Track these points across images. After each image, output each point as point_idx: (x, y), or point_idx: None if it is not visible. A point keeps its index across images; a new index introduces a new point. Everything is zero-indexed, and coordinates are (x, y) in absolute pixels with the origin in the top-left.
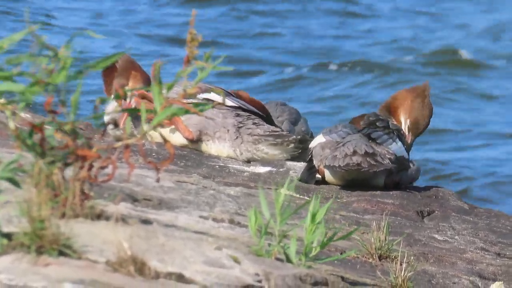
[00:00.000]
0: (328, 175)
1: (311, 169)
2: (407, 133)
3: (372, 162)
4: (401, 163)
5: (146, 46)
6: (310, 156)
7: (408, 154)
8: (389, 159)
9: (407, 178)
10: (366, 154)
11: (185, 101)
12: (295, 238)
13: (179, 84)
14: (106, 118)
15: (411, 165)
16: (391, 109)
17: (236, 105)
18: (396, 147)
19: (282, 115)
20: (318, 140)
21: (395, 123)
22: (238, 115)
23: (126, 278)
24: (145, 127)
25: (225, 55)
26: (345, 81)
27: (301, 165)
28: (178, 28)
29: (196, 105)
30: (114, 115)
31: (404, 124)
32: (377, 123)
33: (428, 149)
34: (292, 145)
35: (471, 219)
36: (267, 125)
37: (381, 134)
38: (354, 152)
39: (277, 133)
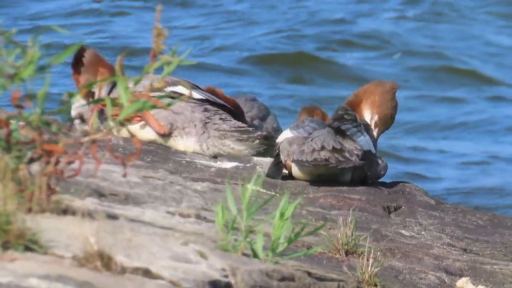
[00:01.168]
0: (295, 170)
1: (277, 164)
2: (374, 128)
3: (340, 158)
4: (368, 157)
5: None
6: (277, 151)
7: (376, 150)
8: (357, 155)
9: (374, 173)
10: (334, 149)
11: (152, 94)
12: (262, 234)
13: (147, 78)
14: (73, 113)
15: (379, 161)
16: (356, 104)
17: (203, 98)
18: (364, 140)
19: (251, 110)
20: (285, 135)
21: (362, 118)
22: (205, 110)
23: (92, 273)
24: (111, 122)
25: (190, 48)
26: None
27: (268, 161)
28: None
29: (162, 97)
30: (81, 109)
31: (371, 119)
32: (345, 116)
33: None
34: (257, 141)
35: (437, 214)
36: (234, 120)
37: (350, 127)
38: (322, 148)
39: (242, 129)
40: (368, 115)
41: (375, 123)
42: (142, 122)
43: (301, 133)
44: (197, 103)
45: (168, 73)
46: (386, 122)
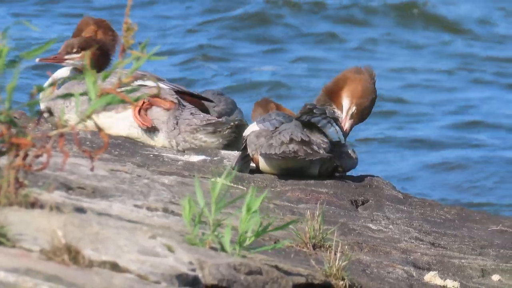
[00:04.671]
0: (263, 164)
1: (245, 158)
2: (347, 118)
3: (309, 151)
4: (338, 149)
5: None
6: (244, 145)
7: (345, 140)
8: (324, 148)
9: (344, 165)
10: (303, 142)
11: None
12: (230, 228)
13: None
14: (41, 107)
15: (350, 152)
16: (335, 91)
17: (172, 88)
18: (334, 132)
19: (219, 104)
20: (252, 128)
21: (332, 111)
22: (176, 101)
23: (60, 267)
24: (79, 115)
25: (159, 44)
26: None
27: (235, 154)
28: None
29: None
30: (49, 103)
31: (349, 109)
32: (315, 111)
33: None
34: (229, 130)
35: (405, 208)
36: (203, 114)
37: (320, 119)
38: (291, 140)
39: (214, 121)
40: (347, 104)
41: (352, 114)
42: (110, 117)
43: (267, 127)
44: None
45: (137, 68)
46: (363, 115)
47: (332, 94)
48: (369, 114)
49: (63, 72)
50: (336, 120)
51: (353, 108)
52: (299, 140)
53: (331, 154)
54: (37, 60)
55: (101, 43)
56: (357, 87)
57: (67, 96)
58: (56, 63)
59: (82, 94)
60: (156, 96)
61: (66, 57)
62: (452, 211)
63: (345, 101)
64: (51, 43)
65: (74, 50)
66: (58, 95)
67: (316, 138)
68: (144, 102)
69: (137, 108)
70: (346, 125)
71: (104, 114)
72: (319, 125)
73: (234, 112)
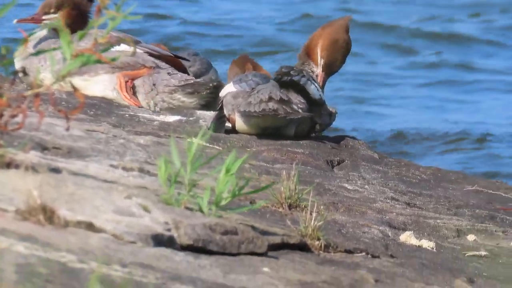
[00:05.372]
0: (239, 123)
1: (221, 118)
2: (320, 72)
3: (288, 110)
4: (318, 106)
5: None
6: (220, 105)
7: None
8: (301, 108)
9: (323, 122)
10: (282, 100)
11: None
12: (208, 188)
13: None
14: (16, 66)
15: (329, 108)
16: (311, 49)
17: (148, 52)
18: (316, 89)
19: (194, 64)
20: (228, 89)
21: (310, 71)
22: (154, 65)
23: (35, 227)
24: (55, 75)
25: (135, 3)
26: None
27: (211, 114)
28: None
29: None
30: (24, 62)
31: (320, 64)
32: (291, 72)
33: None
34: (208, 91)
35: (381, 168)
36: (180, 73)
37: (300, 77)
38: (270, 98)
39: (192, 82)
40: (319, 60)
41: (322, 67)
42: (84, 80)
43: (244, 87)
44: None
45: (112, 28)
46: (332, 67)
47: (309, 51)
48: (340, 66)
49: (41, 32)
50: (313, 77)
51: (322, 62)
52: (278, 99)
53: (311, 114)
54: (14, 21)
55: (78, 3)
56: (324, 40)
57: (40, 53)
58: (33, 23)
59: (55, 49)
60: (132, 55)
61: (44, 17)
62: (427, 171)
63: (318, 57)
64: (10, 5)
65: (52, 10)
66: (31, 53)
67: (294, 98)
68: (127, 82)
69: (124, 89)
70: (318, 79)
71: (79, 77)
72: (300, 83)
73: (210, 72)
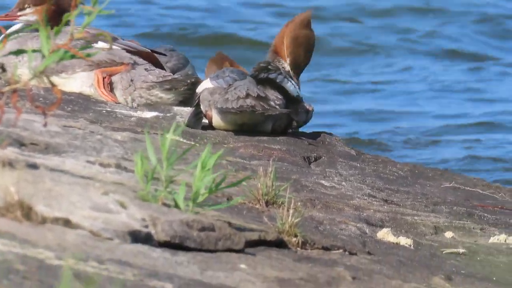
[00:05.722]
0: (216, 120)
1: (197, 115)
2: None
3: (266, 106)
4: (295, 102)
5: None
6: (197, 101)
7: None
8: (279, 104)
9: (301, 119)
10: (259, 97)
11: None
12: (184, 184)
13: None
14: None
15: (306, 106)
16: (276, 49)
17: (125, 48)
18: (292, 86)
19: (170, 60)
20: (205, 85)
21: (285, 66)
22: (132, 61)
23: (13, 223)
24: (32, 71)
25: None
26: None
27: (188, 110)
28: None
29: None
30: (2, 59)
31: (288, 63)
32: (269, 67)
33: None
34: (185, 88)
35: (358, 165)
36: (158, 69)
37: (277, 75)
38: (247, 95)
39: (170, 78)
40: (287, 59)
41: (290, 66)
42: (61, 78)
43: (221, 84)
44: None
45: (88, 23)
46: (297, 64)
47: (276, 50)
48: (305, 61)
49: (16, 28)
50: (289, 74)
51: (288, 61)
52: (256, 95)
53: (289, 110)
54: None
55: None
56: (287, 39)
57: (19, 52)
58: (9, 21)
59: (34, 51)
60: (109, 49)
61: (19, 13)
62: (405, 168)
63: (286, 56)
64: None
65: (27, 6)
66: (10, 52)
67: (271, 94)
68: (104, 78)
69: (101, 85)
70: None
71: (56, 75)
72: (277, 81)
73: (187, 67)
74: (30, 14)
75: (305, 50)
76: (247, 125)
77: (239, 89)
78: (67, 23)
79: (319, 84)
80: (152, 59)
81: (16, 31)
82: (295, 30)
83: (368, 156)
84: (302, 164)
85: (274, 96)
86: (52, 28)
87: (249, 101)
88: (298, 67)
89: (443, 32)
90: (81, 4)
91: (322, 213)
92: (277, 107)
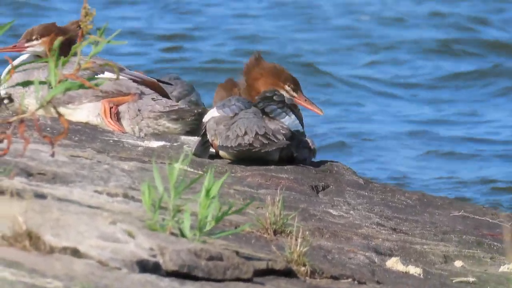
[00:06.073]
0: (221, 153)
1: (205, 144)
2: (301, 98)
3: (264, 141)
4: (295, 137)
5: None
6: (203, 131)
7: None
8: (284, 134)
9: (301, 154)
10: (257, 134)
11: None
12: (189, 213)
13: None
14: (1, 92)
15: (309, 142)
16: (253, 87)
17: (131, 78)
18: (290, 120)
19: (176, 88)
20: (211, 114)
21: (289, 97)
22: (138, 91)
23: (21, 253)
24: (39, 101)
25: (119, 29)
26: None
27: (194, 140)
28: None
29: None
30: (9, 89)
31: (289, 90)
32: (274, 97)
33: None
34: (192, 118)
35: (366, 193)
36: (165, 99)
37: (275, 108)
38: (245, 133)
39: (177, 108)
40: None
41: (293, 91)
42: (68, 108)
43: (227, 113)
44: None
45: (96, 53)
46: (294, 81)
47: (253, 90)
48: (295, 80)
49: (23, 59)
50: (294, 107)
51: (290, 87)
52: (254, 134)
53: (288, 142)
54: None
55: (63, 29)
56: (264, 76)
57: (26, 84)
58: (17, 52)
59: (41, 83)
60: (116, 79)
61: (26, 45)
62: (413, 196)
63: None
64: (6, 27)
65: (34, 37)
66: (17, 83)
67: (275, 125)
68: (111, 108)
69: (108, 115)
70: (306, 103)
71: (63, 106)
72: (272, 115)
73: (192, 95)
74: (38, 45)
75: (286, 71)
76: (250, 157)
77: (239, 126)
78: (75, 54)
79: None
80: (158, 88)
81: (23, 62)
82: (263, 67)
83: (376, 185)
84: (310, 193)
85: (278, 126)
86: (59, 59)
87: (247, 139)
88: (295, 83)
89: None
90: (89, 35)
91: (330, 242)
92: (280, 136)
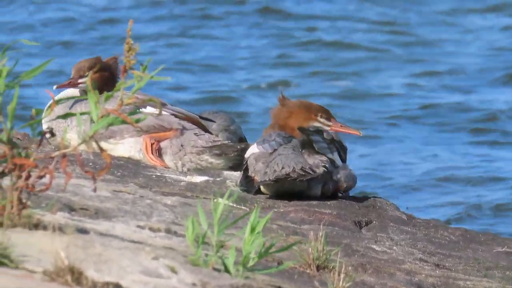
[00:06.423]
0: (262, 188)
1: (247, 179)
2: (337, 125)
3: (301, 172)
4: (335, 172)
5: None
6: (245, 166)
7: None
8: (325, 167)
9: (343, 186)
10: (295, 168)
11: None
12: (234, 249)
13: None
14: (43, 127)
15: (348, 172)
16: (286, 125)
17: (173, 114)
18: (332, 157)
19: (216, 120)
20: (252, 150)
21: (328, 133)
22: (180, 127)
23: None
24: (81, 136)
25: (163, 65)
26: None
27: (237, 175)
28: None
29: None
30: (51, 123)
31: (323, 121)
32: (325, 135)
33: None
34: (235, 153)
35: (409, 229)
36: (208, 134)
37: (323, 144)
38: (283, 168)
39: (220, 143)
40: (318, 123)
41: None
42: (110, 143)
43: (266, 149)
44: (170, 121)
45: (138, 88)
46: (324, 110)
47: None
48: (325, 109)
49: (69, 92)
50: (340, 143)
51: (323, 118)
52: (291, 169)
53: (324, 169)
54: (54, 87)
55: (109, 64)
56: (295, 111)
57: (68, 116)
58: (72, 87)
59: (82, 114)
60: (158, 114)
61: (80, 80)
62: (456, 232)
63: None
64: (48, 62)
65: (86, 73)
66: (58, 116)
67: (314, 159)
68: (152, 144)
69: (149, 151)
70: (342, 129)
71: (105, 141)
72: (317, 146)
73: (232, 126)
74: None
75: (314, 103)
76: (292, 191)
77: (277, 162)
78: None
79: None
80: (199, 124)
81: (66, 97)
82: (290, 105)
83: (419, 220)
84: (353, 228)
85: (317, 160)
86: (101, 93)
87: (284, 171)
88: (326, 112)
89: None
90: (131, 70)
91: (373, 277)
92: (320, 169)
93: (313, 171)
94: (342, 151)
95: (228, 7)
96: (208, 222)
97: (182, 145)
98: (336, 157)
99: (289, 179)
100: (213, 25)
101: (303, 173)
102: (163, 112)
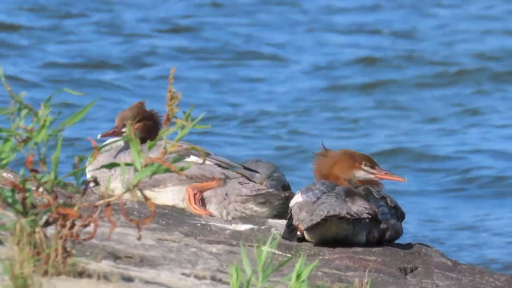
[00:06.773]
0: (307, 236)
1: (291, 226)
2: (381, 173)
3: (347, 215)
4: (381, 220)
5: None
6: (290, 215)
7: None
8: (368, 213)
9: (387, 236)
10: (340, 213)
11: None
12: None
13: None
14: (87, 175)
15: (394, 223)
16: (331, 175)
17: (217, 163)
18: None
19: (260, 170)
20: (296, 199)
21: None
22: (223, 175)
23: None
24: (125, 185)
25: (203, 113)
26: None
27: (282, 223)
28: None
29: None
30: (95, 172)
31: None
32: (388, 201)
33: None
34: (279, 202)
35: (454, 275)
36: (252, 182)
37: (386, 211)
38: (328, 212)
39: (264, 192)
40: (362, 173)
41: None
42: (155, 189)
43: (310, 197)
44: (213, 170)
45: (182, 137)
46: (368, 158)
47: (330, 176)
48: (369, 157)
49: (107, 143)
50: (398, 209)
51: (367, 166)
52: (337, 212)
53: (368, 216)
54: (98, 136)
55: (152, 113)
56: (343, 162)
57: (112, 166)
58: (116, 136)
59: (127, 165)
60: (202, 163)
61: (124, 129)
62: (501, 278)
63: (354, 173)
64: (88, 107)
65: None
66: (102, 165)
67: (358, 206)
68: (195, 194)
69: (192, 201)
70: (387, 176)
71: (148, 190)
72: (380, 217)
73: (276, 174)
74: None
75: (357, 152)
76: (337, 237)
77: (321, 208)
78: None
79: None
80: (242, 173)
81: (113, 147)
82: (333, 156)
83: (464, 266)
84: (399, 275)
85: (361, 208)
86: (144, 141)
87: (329, 214)
88: (370, 160)
89: None
90: (174, 118)
91: None
92: (364, 215)
93: (357, 215)
94: (400, 218)
95: None
96: (252, 269)
97: (226, 194)
98: (388, 209)
99: (333, 219)
100: None
101: (349, 216)
102: (207, 162)
